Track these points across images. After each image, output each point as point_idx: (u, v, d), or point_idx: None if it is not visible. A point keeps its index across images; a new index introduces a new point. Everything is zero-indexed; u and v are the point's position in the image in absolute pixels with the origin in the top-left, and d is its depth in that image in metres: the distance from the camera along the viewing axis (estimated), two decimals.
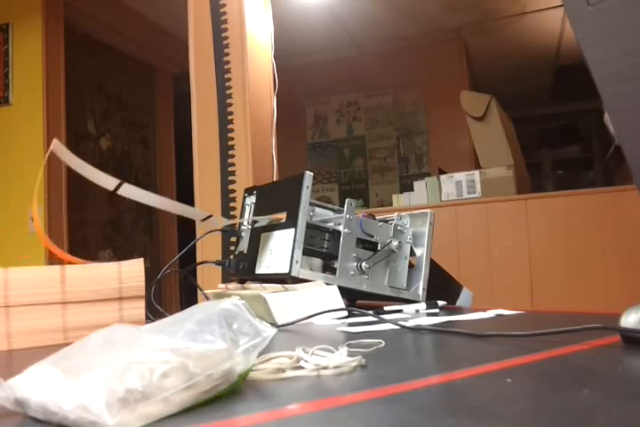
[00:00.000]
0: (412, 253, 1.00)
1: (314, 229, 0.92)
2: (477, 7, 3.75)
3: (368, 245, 0.95)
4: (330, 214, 0.99)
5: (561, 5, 3.46)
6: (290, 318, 0.76)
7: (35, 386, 0.31)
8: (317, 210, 0.98)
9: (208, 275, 1.90)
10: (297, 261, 0.86)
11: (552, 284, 2.24)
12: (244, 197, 1.12)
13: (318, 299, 0.82)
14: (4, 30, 2.92)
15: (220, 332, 0.35)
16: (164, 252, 3.94)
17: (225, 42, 2.07)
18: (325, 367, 0.41)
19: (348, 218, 0.91)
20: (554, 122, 6.04)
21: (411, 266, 0.99)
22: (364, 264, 0.91)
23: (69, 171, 2.99)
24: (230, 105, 2.03)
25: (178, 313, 0.39)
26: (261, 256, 0.97)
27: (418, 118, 4.38)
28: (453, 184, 2.61)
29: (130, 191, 0.90)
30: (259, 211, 1.06)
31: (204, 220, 1.01)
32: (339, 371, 0.41)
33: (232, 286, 1.04)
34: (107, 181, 0.89)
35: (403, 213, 1.01)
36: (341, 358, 0.42)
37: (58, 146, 0.89)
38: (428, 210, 1.02)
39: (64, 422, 0.29)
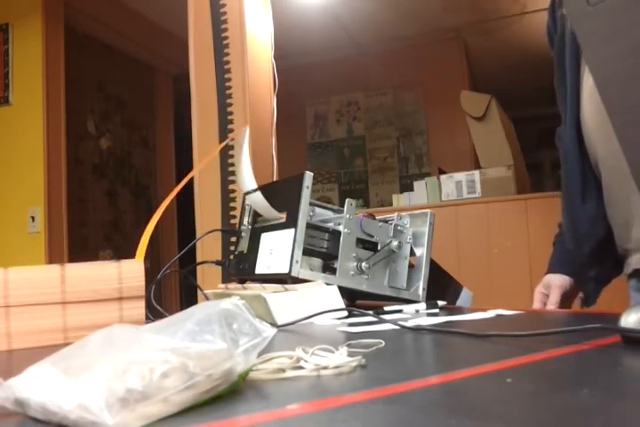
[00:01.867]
0: (412, 253, 1.00)
1: (314, 229, 0.92)
2: (477, 7, 3.75)
3: (368, 245, 0.95)
4: (330, 214, 0.99)
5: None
6: (290, 318, 0.76)
7: (35, 386, 0.31)
8: (317, 210, 0.98)
9: (208, 275, 1.90)
10: (297, 261, 0.86)
11: None
12: (244, 198, 1.12)
13: (318, 299, 0.82)
14: (4, 30, 2.92)
15: (220, 332, 0.35)
16: (163, 252, 3.94)
17: (225, 42, 2.07)
18: (325, 367, 0.41)
19: (347, 218, 0.91)
20: (554, 122, 6.03)
21: (411, 266, 0.99)
22: (363, 264, 0.91)
23: (69, 171, 3.00)
24: (230, 105, 2.03)
25: (178, 313, 0.39)
26: (261, 256, 0.97)
27: (418, 118, 4.38)
28: (453, 184, 2.62)
29: (255, 200, 0.94)
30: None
31: None
32: (339, 371, 0.41)
33: (232, 285, 1.04)
34: (247, 182, 0.94)
35: (403, 213, 1.01)
36: (341, 358, 0.42)
37: (244, 134, 0.95)
38: (428, 210, 1.02)
39: (64, 422, 0.29)
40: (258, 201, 0.94)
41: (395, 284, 0.95)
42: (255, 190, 0.94)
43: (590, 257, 0.95)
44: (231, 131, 2.02)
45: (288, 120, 3.90)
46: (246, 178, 0.94)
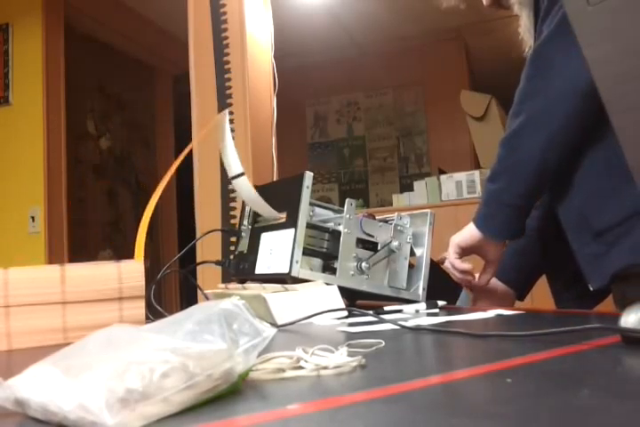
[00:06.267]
0: (412, 253, 1.00)
1: (314, 229, 0.92)
2: (477, 7, 3.74)
3: (368, 245, 0.95)
4: (330, 214, 0.99)
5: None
6: (290, 318, 0.76)
7: (35, 386, 0.31)
8: (317, 210, 0.98)
9: (208, 275, 1.90)
10: (297, 261, 0.86)
11: None
12: None
13: (318, 299, 0.82)
14: (4, 30, 2.92)
15: (219, 332, 0.35)
16: (163, 252, 3.94)
17: (225, 42, 2.07)
18: (325, 367, 0.41)
19: (347, 218, 0.91)
20: None
21: (411, 266, 0.99)
22: (363, 264, 0.91)
23: (69, 171, 2.99)
24: (230, 105, 2.03)
25: (178, 313, 0.39)
26: (261, 256, 0.97)
27: (418, 118, 4.38)
28: (453, 184, 2.61)
29: (242, 185, 0.91)
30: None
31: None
32: (339, 371, 0.41)
33: (232, 285, 1.04)
34: (233, 166, 0.91)
35: (403, 213, 1.01)
36: (341, 358, 0.42)
37: (224, 117, 0.91)
38: (428, 210, 1.02)
39: (64, 423, 0.29)
40: (244, 187, 0.91)
41: (395, 284, 0.95)
42: (241, 175, 0.90)
43: None
44: (231, 131, 2.02)
45: (288, 120, 3.90)
46: (232, 162, 0.90)
